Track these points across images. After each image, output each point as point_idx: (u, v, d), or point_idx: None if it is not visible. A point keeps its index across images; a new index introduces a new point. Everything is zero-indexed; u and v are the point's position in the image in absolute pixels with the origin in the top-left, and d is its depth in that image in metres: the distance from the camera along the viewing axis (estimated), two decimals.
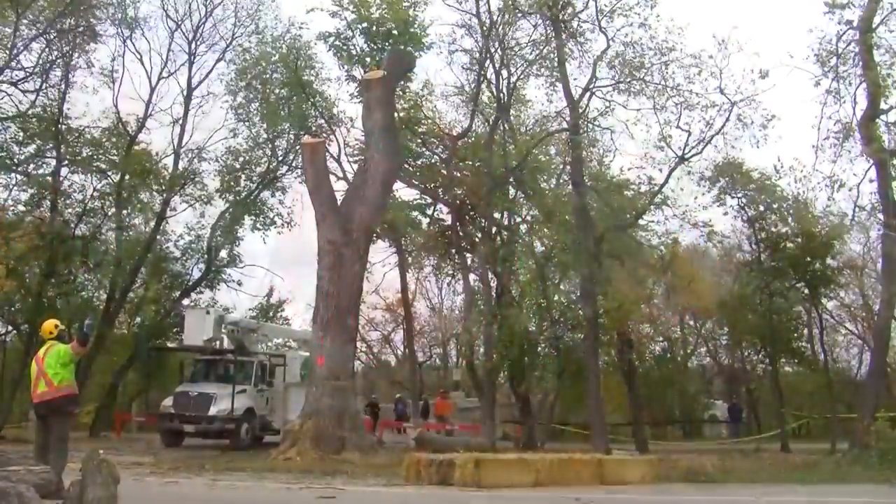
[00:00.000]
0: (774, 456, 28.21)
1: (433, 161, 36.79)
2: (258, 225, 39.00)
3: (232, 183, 38.00)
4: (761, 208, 34.16)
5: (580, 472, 17.44)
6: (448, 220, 36.55)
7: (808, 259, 34.08)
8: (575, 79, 31.70)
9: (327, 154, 36.13)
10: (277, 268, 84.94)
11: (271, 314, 45.57)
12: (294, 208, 39.20)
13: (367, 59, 32.87)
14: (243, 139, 37.45)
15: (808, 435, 45.40)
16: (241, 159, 37.90)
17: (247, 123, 36.77)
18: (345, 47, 33.02)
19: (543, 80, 33.37)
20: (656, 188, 31.93)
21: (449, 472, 16.54)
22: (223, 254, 40.04)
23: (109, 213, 37.21)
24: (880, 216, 28.72)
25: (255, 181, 38.36)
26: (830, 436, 34.37)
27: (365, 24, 32.15)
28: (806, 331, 37.02)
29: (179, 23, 38.35)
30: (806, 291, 34.88)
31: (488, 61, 33.58)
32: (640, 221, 33.45)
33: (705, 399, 57.49)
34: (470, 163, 36.33)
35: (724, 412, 48.56)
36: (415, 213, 37.39)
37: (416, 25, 32.73)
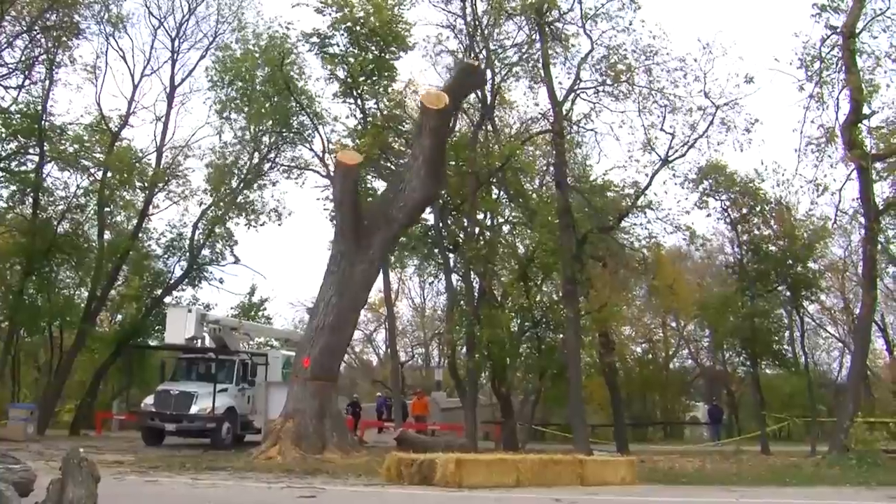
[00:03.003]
0: (754, 458, 28.25)
1: None
2: (250, 221, 38.92)
3: (218, 178, 37.83)
4: (744, 211, 34.27)
5: (561, 472, 17.45)
6: (431, 219, 36.53)
7: (790, 262, 34.22)
8: (560, 82, 31.82)
9: (310, 150, 36.22)
10: (259, 265, 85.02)
11: (253, 313, 45.53)
12: (281, 203, 39.36)
13: (351, 60, 32.88)
14: (227, 138, 37.38)
15: (789, 437, 45.62)
16: (228, 158, 37.75)
17: (230, 121, 36.70)
18: (327, 47, 33.02)
19: (528, 82, 33.50)
20: (639, 190, 32.11)
21: (430, 472, 16.54)
22: (205, 251, 39.97)
23: (92, 211, 37.14)
24: (862, 220, 28.90)
25: (239, 178, 38.22)
26: (810, 438, 34.53)
27: (348, 24, 32.10)
28: (787, 333, 37.17)
29: (162, 20, 38.38)
30: (787, 294, 35.01)
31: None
32: (623, 223, 33.58)
33: (686, 401, 57.74)
34: (453, 163, 36.35)
35: (705, 414, 48.76)
36: None
37: (400, 24, 32.73)
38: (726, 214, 34.48)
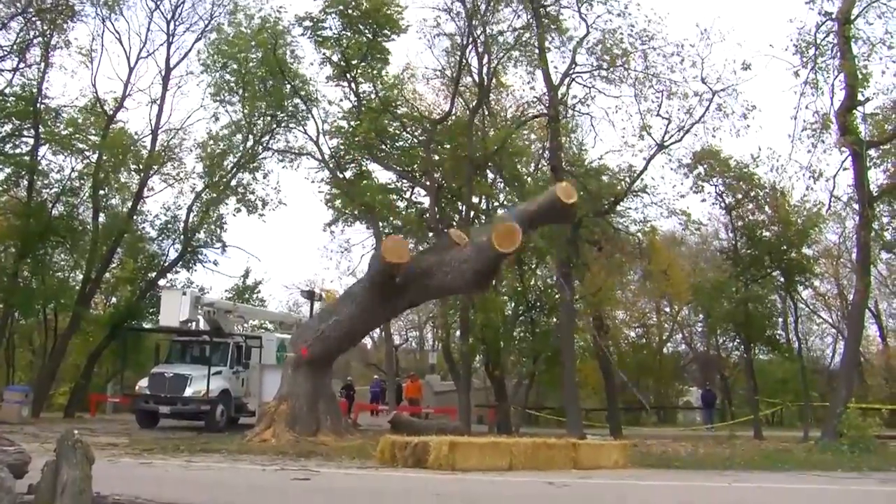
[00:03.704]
0: (747, 442, 28.37)
1: (412, 143, 36.82)
2: (250, 209, 38.80)
3: (210, 163, 37.67)
4: (739, 196, 34.30)
5: (554, 456, 17.51)
6: (426, 203, 36.55)
7: (785, 248, 34.25)
8: (555, 66, 31.81)
9: (304, 133, 36.09)
10: (253, 248, 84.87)
11: (247, 295, 45.52)
12: (276, 191, 39.27)
13: (344, 43, 32.87)
14: (223, 123, 37.24)
15: (781, 422, 45.77)
16: (221, 142, 37.58)
17: (224, 106, 36.58)
18: (320, 30, 33.03)
19: (525, 66, 33.46)
20: (635, 175, 32.15)
21: (423, 455, 16.62)
22: (200, 234, 39.87)
23: (87, 194, 37.07)
24: (856, 206, 28.96)
25: (233, 163, 38.06)
26: (803, 424, 34.65)
27: (341, 7, 32.06)
28: (781, 319, 37.24)
29: (158, 2, 38.17)
30: (781, 280, 35.06)
31: (471, 46, 33.55)
32: (618, 208, 33.62)
33: (680, 385, 57.86)
34: (448, 146, 36.38)
35: (698, 398, 48.85)
36: (393, 197, 37.39)
37: (392, 7, 32.70)
38: (720, 199, 34.49)
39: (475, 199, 36.08)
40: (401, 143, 37.06)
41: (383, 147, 35.82)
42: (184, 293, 32.47)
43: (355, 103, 34.56)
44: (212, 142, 37.35)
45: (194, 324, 31.45)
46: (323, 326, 24.86)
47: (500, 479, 15.16)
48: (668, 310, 53.81)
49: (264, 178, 38.82)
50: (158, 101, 38.04)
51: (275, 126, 37.04)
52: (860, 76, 26.41)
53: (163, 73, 38.34)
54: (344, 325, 24.41)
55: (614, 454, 18.76)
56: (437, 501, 12.58)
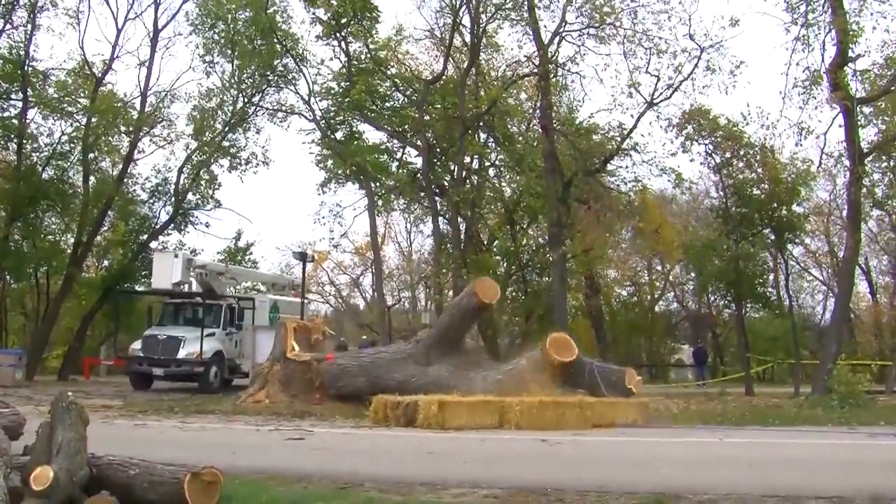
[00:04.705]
0: (738, 399, 28.49)
1: (403, 104, 36.76)
2: (234, 164, 38.74)
3: (202, 122, 37.53)
4: (727, 155, 34.24)
5: (565, 414, 17.25)
6: (418, 163, 36.53)
7: (774, 205, 34.23)
8: (545, 26, 31.72)
9: (295, 93, 35.99)
10: (245, 209, 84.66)
11: (239, 257, 45.49)
12: (266, 149, 39.17)
13: (334, 1, 32.70)
14: (213, 81, 37.09)
15: (772, 379, 45.99)
16: (212, 101, 37.47)
17: (213, 66, 36.43)
18: None
19: (515, 24, 33.36)
20: (625, 133, 32.16)
21: (414, 415, 16.76)
22: (191, 196, 39.78)
23: (77, 157, 36.87)
24: (847, 163, 28.97)
25: (224, 122, 37.93)
26: (794, 380, 34.82)
27: None
28: (772, 276, 37.32)
29: None
30: (772, 237, 35.10)
31: (463, 6, 33.43)
32: (609, 166, 33.61)
33: (671, 343, 58.04)
34: (440, 106, 36.31)
35: (690, 356, 49.04)
36: (384, 157, 37.35)
37: None
38: (710, 159, 34.43)
39: (467, 159, 36.04)
40: (391, 104, 36.97)
41: (374, 107, 35.75)
42: (175, 255, 32.44)
43: (345, 63, 34.45)
44: (202, 99, 37.27)
45: (186, 286, 31.44)
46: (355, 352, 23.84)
47: (492, 437, 15.22)
48: (659, 268, 53.94)
49: (256, 133, 38.82)
50: (147, 64, 37.79)
51: (265, 86, 36.92)
52: (851, 32, 26.35)
53: (151, 34, 38.03)
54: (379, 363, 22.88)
55: (631, 412, 18.74)
56: (429, 459, 12.66)
